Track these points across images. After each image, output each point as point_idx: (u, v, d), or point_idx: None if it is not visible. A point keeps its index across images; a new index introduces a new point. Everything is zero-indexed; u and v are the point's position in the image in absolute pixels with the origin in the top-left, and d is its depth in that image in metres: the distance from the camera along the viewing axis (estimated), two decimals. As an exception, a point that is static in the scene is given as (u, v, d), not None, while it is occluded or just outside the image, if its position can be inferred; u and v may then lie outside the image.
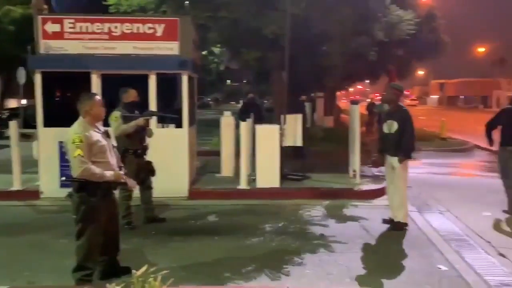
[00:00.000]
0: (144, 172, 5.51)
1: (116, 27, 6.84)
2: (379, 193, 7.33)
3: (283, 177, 7.61)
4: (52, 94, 7.27)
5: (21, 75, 14.96)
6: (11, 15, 17.05)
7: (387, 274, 4.17)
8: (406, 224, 5.52)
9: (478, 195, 7.54)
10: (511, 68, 68.31)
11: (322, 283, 3.95)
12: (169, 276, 2.10)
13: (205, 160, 9.54)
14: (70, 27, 6.81)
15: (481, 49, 58.58)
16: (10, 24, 16.90)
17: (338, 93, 31.15)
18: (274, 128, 7.52)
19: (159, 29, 6.83)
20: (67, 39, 6.81)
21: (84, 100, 3.65)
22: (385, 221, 5.73)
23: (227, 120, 8.49)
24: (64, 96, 7.48)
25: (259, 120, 9.56)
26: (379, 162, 5.88)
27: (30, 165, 7.69)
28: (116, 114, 5.30)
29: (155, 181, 5.72)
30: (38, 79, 6.87)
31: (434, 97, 75.12)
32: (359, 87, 74.33)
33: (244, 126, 7.49)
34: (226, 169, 8.27)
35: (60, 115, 6.85)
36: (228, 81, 56.26)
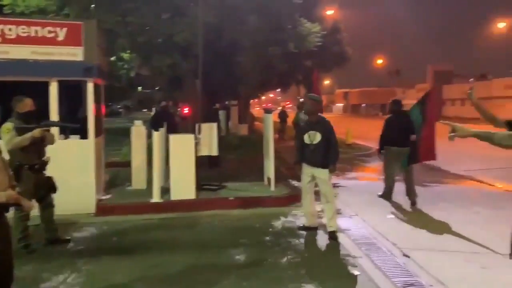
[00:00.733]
0: (43, 189, 4.99)
1: (10, 30, 6.19)
2: (294, 199, 7.47)
3: (199, 187, 7.44)
4: None
5: None
6: None
7: (303, 280, 4.21)
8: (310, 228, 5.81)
9: (382, 200, 8.01)
10: (405, 78, 75.03)
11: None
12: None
13: (114, 172, 9.01)
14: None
15: (380, 61, 63.61)
16: None
17: (251, 101, 31.64)
18: (188, 138, 7.32)
19: (61, 33, 6.30)
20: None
21: None
22: (300, 228, 5.83)
23: (138, 130, 8.11)
24: None
25: (173, 129, 9.29)
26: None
27: None
28: (8, 125, 4.73)
29: (58, 197, 5.21)
30: None
31: (339, 105, 79.83)
32: (271, 95, 76.55)
33: (157, 135, 7.19)
34: (138, 182, 7.88)
35: None
36: (139, 88, 54.39)
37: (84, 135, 6.50)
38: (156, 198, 6.92)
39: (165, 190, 7.17)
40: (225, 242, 5.39)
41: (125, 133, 9.58)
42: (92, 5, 9.50)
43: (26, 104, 4.88)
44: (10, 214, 3.66)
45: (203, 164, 8.19)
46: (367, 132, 20.46)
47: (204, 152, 7.82)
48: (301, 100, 11.72)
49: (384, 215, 6.77)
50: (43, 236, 5.16)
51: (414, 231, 5.96)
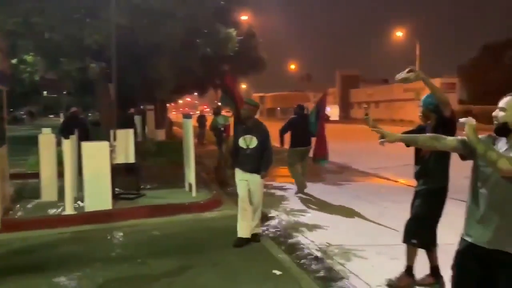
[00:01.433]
0: None
1: None
2: (216, 204, 7.49)
3: (116, 197, 7.14)
4: None
5: None
6: None
7: (227, 285, 4.24)
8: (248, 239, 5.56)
9: (302, 199, 8.34)
10: (315, 83, 78.69)
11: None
12: None
13: (20, 184, 8.32)
14: None
15: (293, 66, 65.99)
16: None
17: (168, 105, 31.05)
18: (103, 145, 7.00)
19: (-47, 33, 5.69)
20: None
21: None
22: (239, 242, 5.41)
23: (46, 138, 7.57)
24: None
25: (85, 136, 8.82)
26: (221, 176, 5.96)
27: None
28: None
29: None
30: None
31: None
32: (188, 99, 75.72)
33: (68, 143, 6.77)
34: (48, 193, 7.35)
35: None
36: (45, 93, 50.67)
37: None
38: (69, 210, 6.52)
39: (79, 201, 6.78)
40: (146, 252, 5.23)
41: (30, 142, 8.91)
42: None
43: None
44: None
45: (120, 172, 7.88)
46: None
47: (120, 159, 7.52)
48: (219, 104, 11.80)
49: (302, 214, 7.05)
50: None
51: (331, 227, 6.28)
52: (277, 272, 4.53)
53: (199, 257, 5.01)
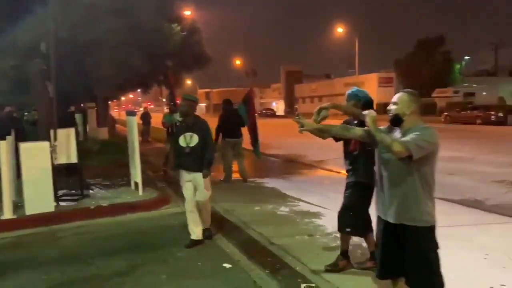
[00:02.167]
0: None
1: None
2: (164, 202, 7.45)
3: (58, 199, 6.90)
4: None
5: None
6: None
7: (177, 282, 4.26)
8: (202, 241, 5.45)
9: (250, 192, 8.48)
10: (261, 79, 79.37)
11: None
12: None
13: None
14: None
15: (238, 62, 66.07)
16: None
17: (110, 103, 30.09)
18: (43, 145, 6.73)
19: None
20: None
21: None
22: (191, 244, 5.29)
23: (-21, 140, 7.13)
24: None
25: (22, 136, 8.40)
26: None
27: None
28: None
29: None
30: None
31: (202, 105, 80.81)
32: (131, 96, 73.59)
33: (4, 145, 6.43)
34: (-17, 198, 6.95)
35: None
36: (-27, 91, 47.22)
37: None
38: (7, 214, 6.22)
39: (19, 205, 6.49)
40: (93, 253, 5.13)
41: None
42: None
43: None
44: None
45: (62, 173, 7.60)
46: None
47: (61, 160, 7.27)
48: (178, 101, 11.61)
49: (252, 207, 7.18)
50: None
51: (280, 220, 6.45)
52: (227, 266, 4.62)
53: (148, 256, 4.99)
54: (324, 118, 3.39)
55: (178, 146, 5.28)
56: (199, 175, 5.21)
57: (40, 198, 6.48)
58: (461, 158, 12.65)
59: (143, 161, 8.24)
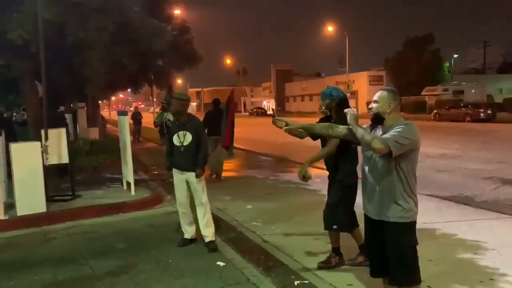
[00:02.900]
0: None
1: None
2: (156, 201, 7.44)
3: (49, 199, 6.85)
4: None
5: None
6: None
7: (169, 280, 4.27)
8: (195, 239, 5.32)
9: (242, 191, 8.50)
10: (251, 77, 79.44)
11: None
12: None
13: None
14: None
15: (228, 61, 66.01)
16: None
17: (100, 103, 29.89)
18: (34, 145, 6.68)
19: None
20: None
21: None
22: (184, 243, 5.28)
23: (-32, 141, 7.07)
24: None
25: (12, 137, 8.32)
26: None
27: None
28: None
29: None
30: None
31: (193, 104, 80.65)
32: (121, 95, 73.15)
33: (-6, 146, 6.40)
34: (-27, 199, 6.88)
35: None
36: (-40, 91, 46.59)
37: None
38: (-2, 215, 6.17)
39: (10, 206, 6.44)
40: (86, 253, 5.11)
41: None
42: None
43: None
44: None
45: (53, 173, 7.56)
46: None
47: (52, 160, 7.22)
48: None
49: (244, 206, 7.21)
50: None
51: (272, 217, 6.48)
52: (221, 264, 4.64)
53: (142, 255, 4.99)
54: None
55: (171, 145, 5.20)
56: (193, 175, 5.11)
57: (32, 198, 6.44)
58: (450, 155, 12.81)
59: (135, 161, 8.22)
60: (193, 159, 5.09)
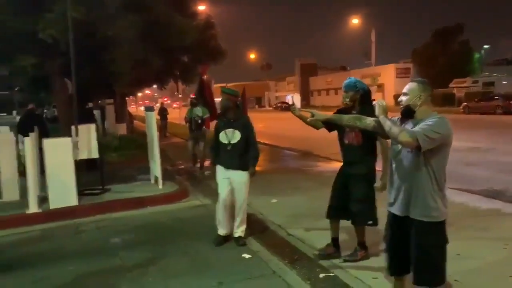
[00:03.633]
0: None
1: None
2: (183, 195, 7.58)
3: (80, 193, 7.07)
4: None
5: None
6: None
7: (196, 272, 4.36)
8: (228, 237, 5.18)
9: (267, 185, 8.54)
10: (275, 72, 79.18)
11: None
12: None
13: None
14: None
15: (252, 56, 66.12)
16: None
17: (127, 99, 30.46)
18: (65, 141, 6.90)
19: None
20: None
21: None
22: (219, 241, 5.11)
23: (5, 137, 7.36)
24: None
25: (44, 133, 8.62)
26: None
27: None
28: None
29: None
30: None
31: (218, 99, 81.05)
32: (147, 92, 74.29)
33: (28, 141, 6.63)
34: (9, 193, 7.17)
35: None
36: (-6, 89, 48.36)
37: None
38: (33, 208, 6.42)
39: (43, 199, 6.68)
40: (116, 245, 5.28)
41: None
42: None
43: None
44: None
45: (83, 168, 7.79)
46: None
47: (83, 155, 7.43)
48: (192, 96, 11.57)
49: (269, 199, 7.25)
50: None
51: (297, 211, 6.49)
52: (247, 256, 4.71)
53: (169, 247, 5.11)
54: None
55: (218, 143, 5.01)
56: (238, 173, 4.95)
57: (63, 192, 6.66)
58: (480, 148, 12.49)
59: (162, 156, 8.35)
60: (239, 158, 4.91)
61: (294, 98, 69.27)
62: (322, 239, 5.14)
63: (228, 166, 4.98)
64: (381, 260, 4.32)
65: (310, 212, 6.38)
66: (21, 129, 8.89)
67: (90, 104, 16.33)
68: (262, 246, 5.00)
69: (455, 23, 51.25)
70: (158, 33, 10.42)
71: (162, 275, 4.32)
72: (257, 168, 5.14)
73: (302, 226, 5.73)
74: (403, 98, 2.93)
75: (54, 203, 6.60)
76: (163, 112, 21.85)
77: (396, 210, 3.02)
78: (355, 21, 45.61)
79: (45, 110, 26.44)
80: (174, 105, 57.71)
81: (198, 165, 10.36)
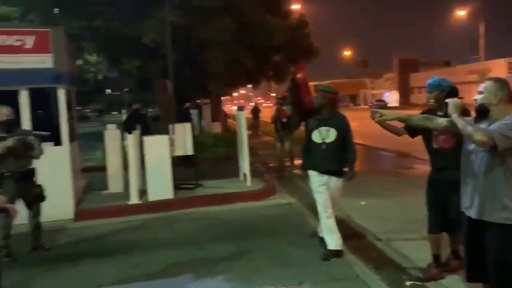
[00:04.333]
0: (29, 197, 5.04)
1: (-23, 40, 6.11)
2: (270, 192, 7.70)
3: (176, 187, 7.55)
4: None
5: None
6: None
7: (281, 269, 4.40)
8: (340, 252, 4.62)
9: (357, 187, 8.29)
10: (372, 68, 76.39)
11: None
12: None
13: (90, 177, 9.00)
14: None
15: (347, 53, 64.64)
16: None
17: (222, 99, 31.69)
18: (163, 138, 7.41)
19: (29, 41, 6.26)
20: None
21: None
22: (327, 256, 4.61)
23: (112, 134, 8.13)
24: None
25: (146, 131, 9.33)
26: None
27: None
28: None
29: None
30: None
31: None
32: (242, 91, 76.59)
33: (131, 138, 7.26)
34: (114, 185, 7.91)
35: None
36: (108, 91, 53.55)
37: (57, 142, 6.49)
38: (134, 200, 7.00)
39: (143, 192, 7.25)
40: (205, 238, 5.54)
41: (97, 137, 9.56)
42: (56, 9, 9.44)
43: (2, 114, 4.90)
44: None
45: (179, 164, 8.29)
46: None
47: (179, 152, 7.92)
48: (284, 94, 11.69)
49: (358, 202, 7.05)
50: (28, 243, 5.21)
51: (388, 215, 6.22)
52: (332, 258, 4.62)
53: (254, 243, 5.23)
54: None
55: (310, 143, 4.65)
56: (334, 179, 4.56)
57: (161, 186, 7.16)
58: None
59: (252, 154, 8.59)
60: (334, 160, 4.53)
61: (391, 96, 66.43)
62: (412, 246, 4.89)
63: (322, 170, 4.57)
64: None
65: (401, 217, 6.08)
66: (126, 127, 9.73)
67: (187, 104, 17.28)
68: (347, 249, 4.88)
69: None
70: (249, 34, 10.72)
71: (247, 269, 4.43)
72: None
73: (391, 231, 5.48)
74: (478, 97, 2.81)
75: (153, 196, 7.13)
76: (256, 111, 22.36)
77: (471, 212, 2.86)
78: (461, 12, 42.25)
79: (150, 110, 28.53)
80: (265, 104, 58.97)
81: (288, 166, 10.24)
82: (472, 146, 2.81)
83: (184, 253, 5.02)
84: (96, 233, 5.97)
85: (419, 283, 3.87)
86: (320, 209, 4.65)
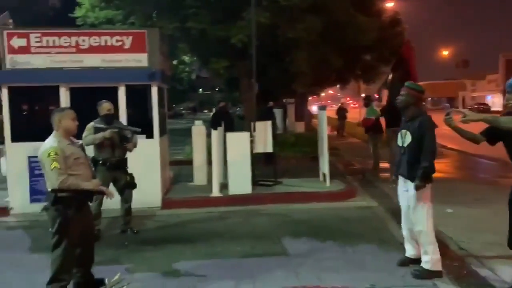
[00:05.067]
0: (120, 185, 5.57)
1: (83, 41, 6.86)
2: (350, 194, 7.57)
3: (255, 183, 7.75)
4: (20, 108, 7.19)
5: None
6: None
7: (357, 270, 4.34)
8: (439, 273, 4.13)
9: (447, 193, 7.82)
10: (473, 69, 70.76)
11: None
12: (144, 285, 2.18)
13: (178, 169, 9.58)
14: (37, 41, 6.78)
15: (445, 52, 60.61)
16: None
17: (309, 99, 31.58)
18: (244, 135, 7.66)
19: (127, 42, 6.88)
20: (34, 53, 6.78)
21: (55, 113, 3.72)
22: (403, 262, 4.44)
23: (198, 129, 8.58)
24: (33, 110, 7.40)
25: (230, 128, 9.69)
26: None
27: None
28: (89, 125, 5.45)
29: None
30: (5, 94, 6.82)
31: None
32: (330, 92, 75.57)
33: (215, 134, 7.60)
34: (199, 178, 8.34)
35: (29, 129, 6.81)
36: (200, 90, 56.25)
37: (150, 136, 7.02)
38: (215, 193, 7.33)
39: (224, 186, 7.56)
40: (279, 233, 5.64)
41: (187, 133, 10.13)
42: (155, 12, 10.19)
43: (103, 108, 5.51)
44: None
45: (259, 161, 8.49)
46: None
47: (259, 149, 8.12)
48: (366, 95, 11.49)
49: (444, 209, 6.65)
50: (119, 225, 5.80)
51: (473, 224, 5.85)
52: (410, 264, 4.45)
53: (329, 243, 5.20)
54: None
55: (396, 148, 4.48)
56: (410, 184, 4.18)
57: (241, 181, 7.41)
58: None
59: (334, 154, 8.50)
60: (410, 166, 4.15)
61: (495, 99, 60.91)
62: (498, 258, 4.52)
63: (402, 175, 4.30)
64: None
65: (489, 228, 5.61)
66: (212, 124, 10.18)
67: (271, 103, 17.52)
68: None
69: None
70: (338, 33, 10.58)
71: (318, 268, 4.43)
72: (437, 174, 4.35)
73: (477, 241, 5.12)
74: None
75: (233, 190, 7.40)
76: (341, 112, 21.94)
77: None
78: None
79: (237, 108, 29.41)
80: (352, 105, 57.36)
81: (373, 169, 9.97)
82: None
83: (259, 246, 5.17)
84: (179, 221, 6.38)
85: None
86: (403, 218, 4.46)
